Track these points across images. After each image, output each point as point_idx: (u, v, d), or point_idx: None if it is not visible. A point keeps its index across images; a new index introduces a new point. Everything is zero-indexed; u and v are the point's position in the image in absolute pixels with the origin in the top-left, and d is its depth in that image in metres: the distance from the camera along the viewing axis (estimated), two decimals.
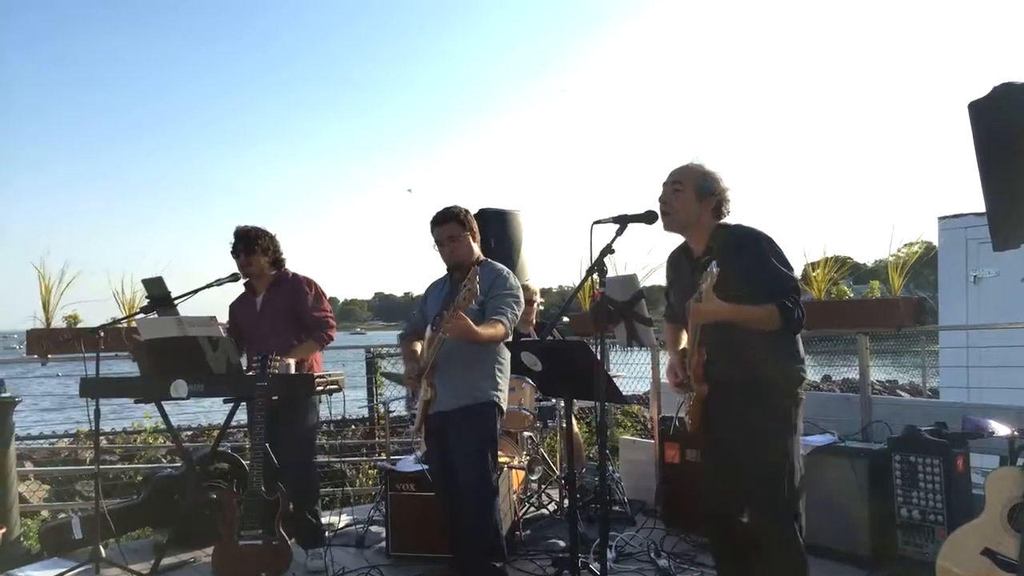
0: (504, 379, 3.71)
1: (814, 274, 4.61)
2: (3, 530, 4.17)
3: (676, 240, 3.10)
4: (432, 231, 3.71)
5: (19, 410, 4.77)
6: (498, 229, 5.21)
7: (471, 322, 3.28)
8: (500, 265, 3.77)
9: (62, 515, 5.30)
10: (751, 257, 2.74)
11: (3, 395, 4.48)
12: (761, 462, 2.76)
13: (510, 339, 3.62)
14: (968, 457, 3.69)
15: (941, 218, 7.91)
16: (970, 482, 3.70)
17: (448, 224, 3.67)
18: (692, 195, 2.87)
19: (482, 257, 3.78)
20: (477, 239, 3.79)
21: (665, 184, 2.95)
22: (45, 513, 6.23)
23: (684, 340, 2.98)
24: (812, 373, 15.83)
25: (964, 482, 3.66)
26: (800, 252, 4.77)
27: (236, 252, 4.33)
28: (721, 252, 2.75)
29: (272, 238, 4.40)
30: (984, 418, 3.75)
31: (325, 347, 4.46)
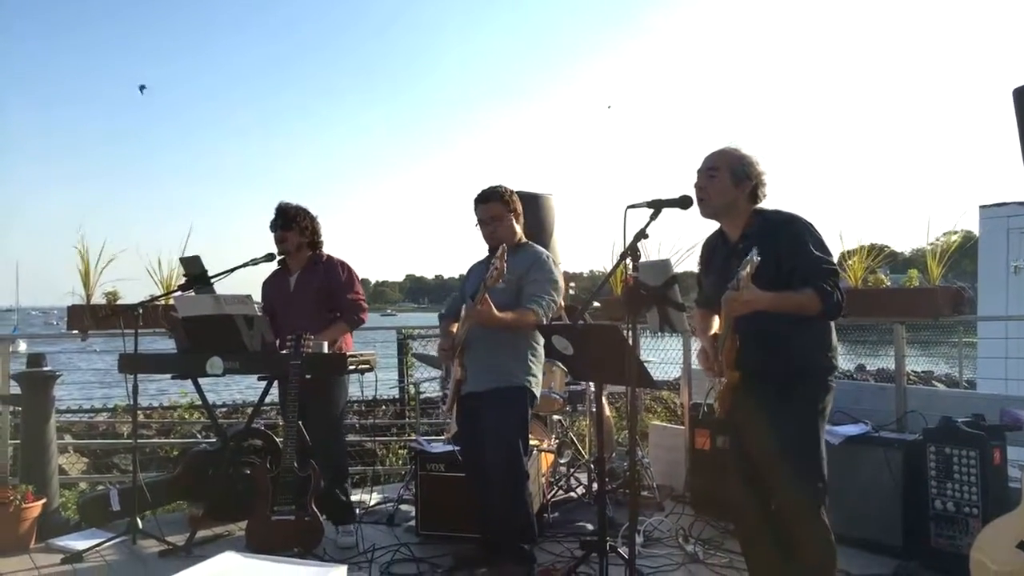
0: (538, 365, 3.70)
1: (850, 262, 4.54)
2: (43, 500, 4.27)
3: (711, 225, 3.07)
4: (475, 209, 3.71)
5: (60, 384, 4.88)
6: (530, 213, 5.17)
7: (494, 308, 3.30)
8: (540, 248, 3.75)
9: (100, 487, 5.42)
10: (788, 241, 2.70)
11: (44, 369, 4.58)
12: (790, 449, 2.73)
13: (543, 324, 3.59)
14: (1005, 449, 3.63)
15: (982, 207, 7.77)
16: (1006, 475, 3.64)
17: (491, 203, 3.67)
18: (728, 180, 2.83)
19: (524, 239, 3.77)
20: (521, 220, 3.77)
21: (700, 169, 2.91)
22: (84, 485, 6.37)
23: (715, 326, 2.95)
24: (846, 362, 15.70)
25: (1000, 475, 3.60)
26: (837, 240, 4.70)
27: (274, 226, 4.38)
28: (758, 237, 2.71)
29: (312, 219, 4.44)
30: (1022, 410, 3.69)
31: (356, 329, 4.50)
